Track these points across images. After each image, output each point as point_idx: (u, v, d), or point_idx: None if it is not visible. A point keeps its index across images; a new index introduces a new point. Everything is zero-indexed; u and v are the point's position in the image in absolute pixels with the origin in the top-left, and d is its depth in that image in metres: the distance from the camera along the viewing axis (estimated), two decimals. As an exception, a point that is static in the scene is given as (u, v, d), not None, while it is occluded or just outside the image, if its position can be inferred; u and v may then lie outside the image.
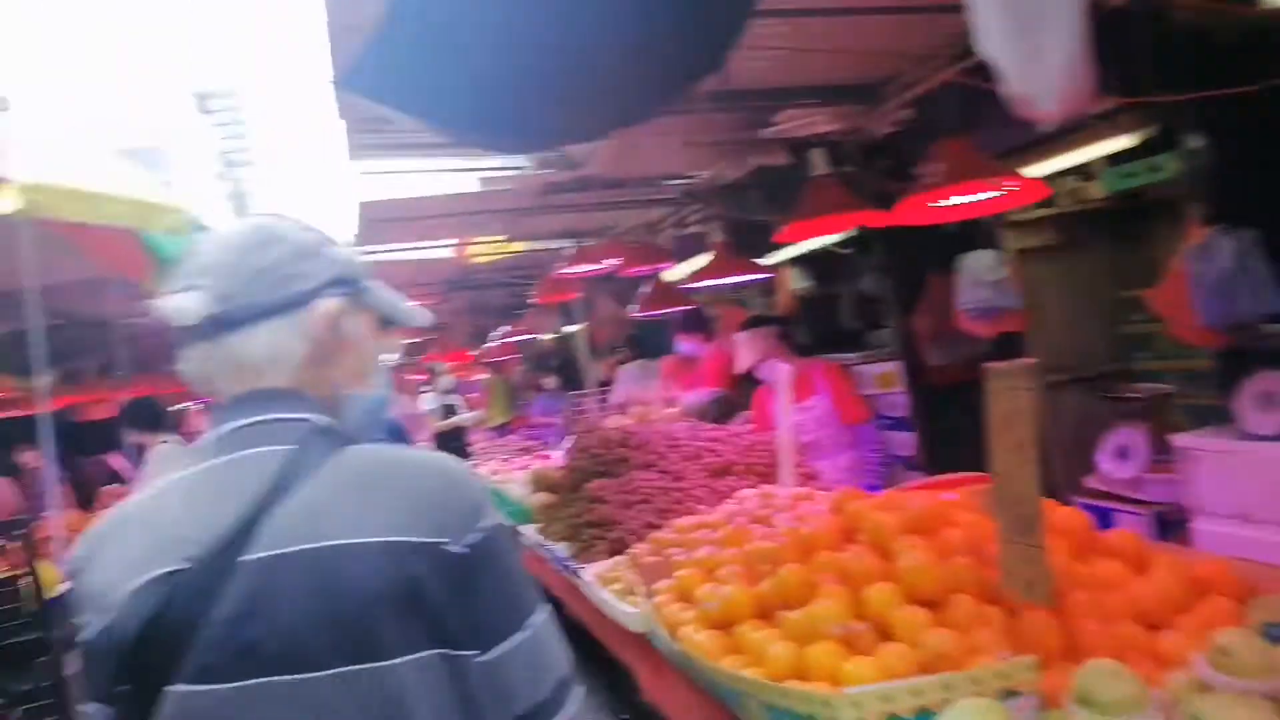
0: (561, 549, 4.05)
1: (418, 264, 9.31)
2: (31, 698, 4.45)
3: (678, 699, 2.74)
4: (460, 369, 12.71)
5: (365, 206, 5.79)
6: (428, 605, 1.06)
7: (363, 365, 1.27)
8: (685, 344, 5.78)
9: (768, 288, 7.09)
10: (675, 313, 5.97)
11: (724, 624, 2.41)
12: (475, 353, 12.42)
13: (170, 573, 1.05)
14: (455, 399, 9.48)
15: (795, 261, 6.53)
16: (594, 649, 3.79)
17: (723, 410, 5.10)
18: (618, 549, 3.70)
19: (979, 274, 4.90)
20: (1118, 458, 4.00)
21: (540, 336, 10.53)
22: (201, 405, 13.92)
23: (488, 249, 7.92)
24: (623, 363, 7.90)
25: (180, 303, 1.15)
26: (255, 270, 1.17)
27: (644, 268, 5.49)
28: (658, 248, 5.50)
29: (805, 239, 3.95)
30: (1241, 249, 3.12)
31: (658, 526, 3.71)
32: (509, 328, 9.17)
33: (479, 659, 1.09)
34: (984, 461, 1.98)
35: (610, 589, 3.30)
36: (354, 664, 1.04)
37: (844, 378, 4.33)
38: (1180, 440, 3.45)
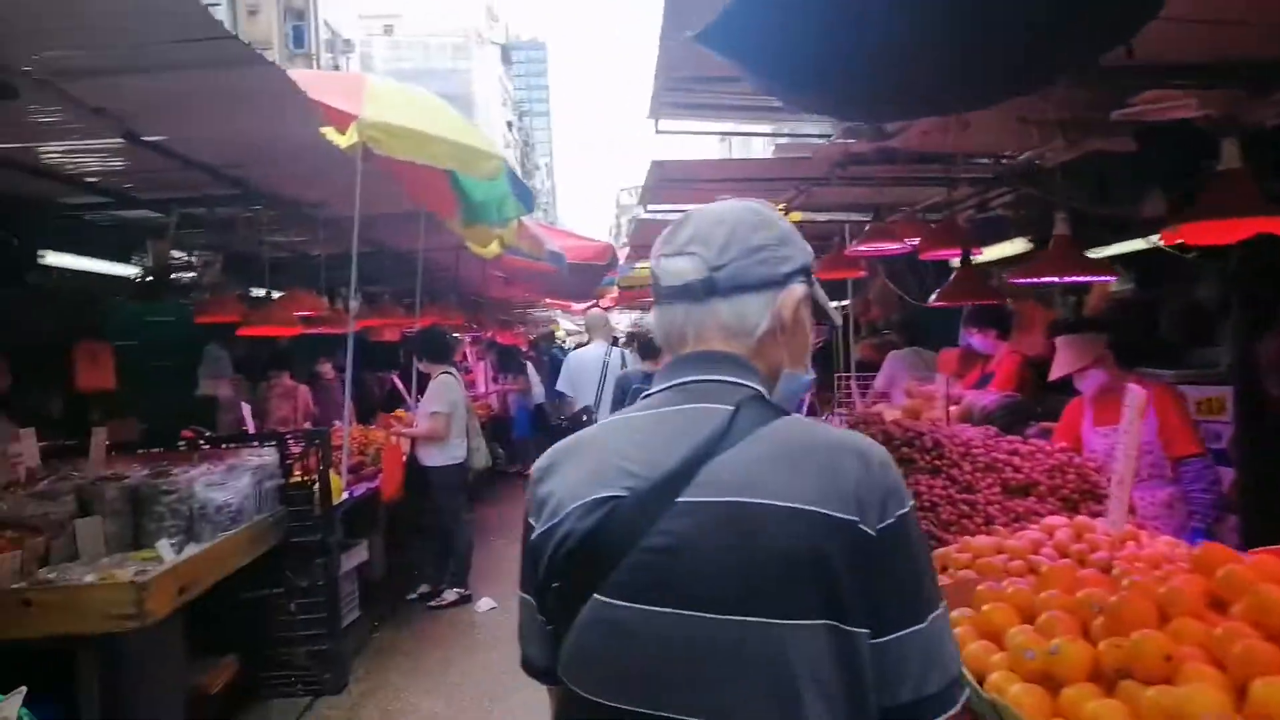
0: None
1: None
2: (307, 593, 4.83)
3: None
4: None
5: (657, 165, 5.74)
6: (829, 578, 1.10)
7: (803, 349, 1.34)
8: (976, 338, 5.28)
9: (1074, 286, 6.38)
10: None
11: (1045, 680, 2.08)
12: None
13: (612, 497, 1.19)
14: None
15: (1115, 260, 5.80)
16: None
17: (1013, 418, 4.60)
18: (892, 556, 3.41)
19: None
20: None
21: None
22: (472, 341, 14.90)
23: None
24: (890, 347, 7.45)
25: (676, 265, 1.29)
26: (749, 248, 1.27)
27: (944, 251, 5.02)
28: (961, 230, 5.01)
29: (1205, 241, 3.34)
30: None
31: (942, 541, 3.38)
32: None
33: (872, 640, 1.12)
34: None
35: (885, 600, 3.02)
36: (751, 616, 1.11)
37: (1176, 401, 3.73)
38: None
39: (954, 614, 2.55)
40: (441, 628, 5.94)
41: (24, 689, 2.29)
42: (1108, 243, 5.25)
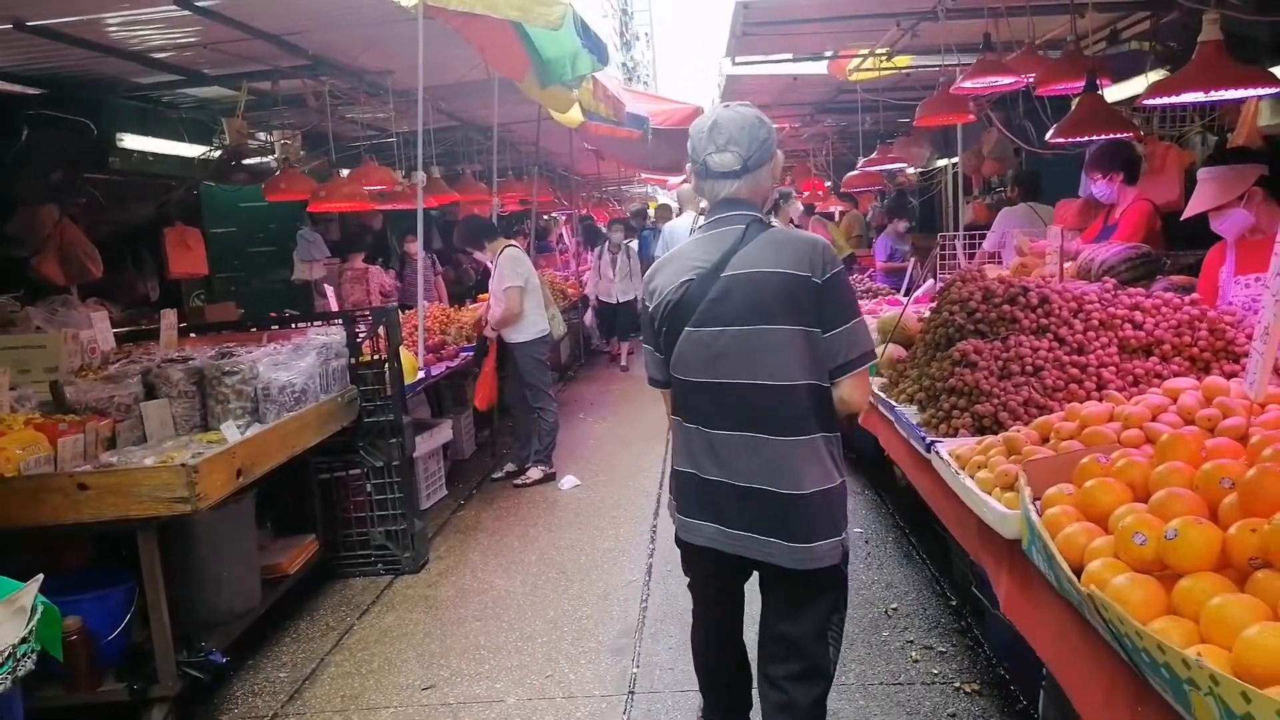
0: (911, 413, 3.43)
1: (787, 81, 8.59)
2: (383, 473, 4.77)
3: (1054, 637, 2.10)
4: (815, 199, 11.96)
5: (742, 6, 5.19)
6: (800, 305, 2.24)
7: (776, 179, 2.48)
8: (1099, 184, 4.64)
9: (1216, 124, 5.56)
10: (1092, 144, 4.79)
11: (1159, 569, 1.71)
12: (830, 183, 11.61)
13: (688, 280, 2.33)
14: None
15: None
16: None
17: (1141, 272, 4.03)
18: (986, 426, 3.02)
19: None
20: None
21: (907, 167, 9.45)
22: (566, 220, 14.55)
23: (868, 65, 7.00)
24: (1006, 204, 6.78)
25: (723, 158, 2.31)
26: (759, 141, 2.33)
27: (1066, 84, 4.34)
28: (1086, 60, 4.31)
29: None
30: None
31: (1044, 408, 2.97)
32: (874, 155, 8.23)
33: (822, 335, 2.26)
34: None
35: (974, 475, 2.66)
36: (764, 324, 2.25)
37: (1343, 245, 3.13)
38: None
39: (1052, 491, 2.19)
40: (524, 506, 5.87)
41: (41, 576, 2.20)
42: (1266, 66, 4.48)
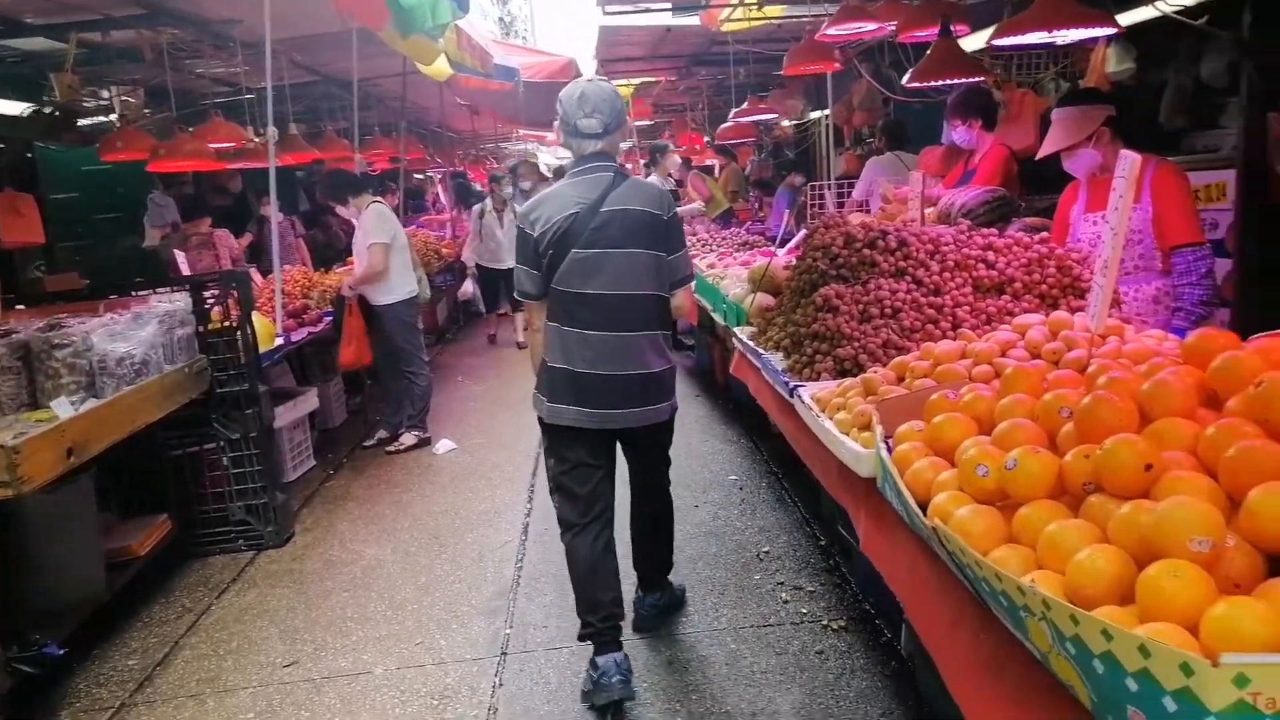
0: (777, 360, 3.43)
1: (660, 33, 8.48)
2: (239, 446, 4.52)
3: (907, 571, 2.12)
4: (692, 153, 11.92)
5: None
6: (656, 234, 2.97)
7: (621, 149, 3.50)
8: (959, 131, 4.71)
9: (1068, 71, 5.74)
10: (953, 88, 4.86)
11: (1000, 499, 1.72)
12: (706, 137, 11.59)
13: (574, 211, 2.91)
14: (676, 184, 8.80)
15: (1117, 36, 5.15)
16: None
17: (997, 215, 4.12)
18: (847, 370, 3.04)
19: None
20: None
21: (780, 120, 9.50)
22: (442, 179, 14.08)
23: (739, 15, 6.94)
24: (873, 154, 6.87)
25: (590, 123, 2.95)
26: (616, 110, 3.01)
27: (927, 30, 4.36)
28: (943, 7, 4.34)
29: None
30: None
31: (901, 349, 3.00)
32: (745, 106, 8.21)
33: (667, 258, 3.02)
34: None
35: (833, 417, 2.67)
36: (631, 249, 2.93)
37: (1178, 182, 3.24)
38: None
39: (903, 428, 2.19)
40: (398, 473, 5.69)
41: None
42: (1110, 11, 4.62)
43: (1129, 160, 2.27)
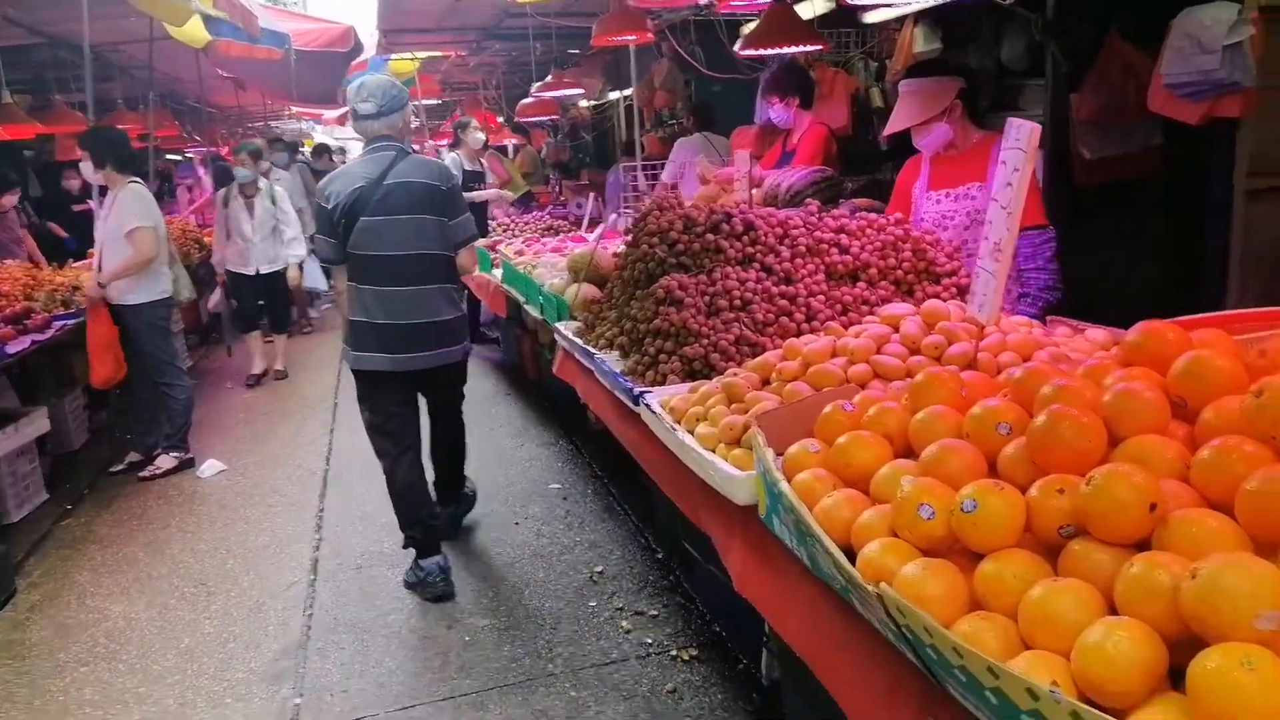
0: (612, 360, 3.00)
1: (449, 4, 7.80)
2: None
3: (809, 624, 1.74)
4: (487, 132, 11.26)
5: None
6: (436, 202, 3.48)
7: (407, 133, 3.84)
8: (777, 109, 4.46)
9: (876, 51, 5.67)
10: (766, 64, 4.60)
11: (949, 546, 1.37)
12: (501, 116, 10.98)
13: (359, 186, 3.40)
14: (484, 163, 8.15)
15: (923, 16, 5.09)
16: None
17: (826, 195, 3.88)
18: (697, 370, 2.65)
19: (1206, 37, 3.57)
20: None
21: (581, 100, 9.07)
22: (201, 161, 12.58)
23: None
24: (681, 134, 6.58)
25: (366, 106, 3.44)
26: (391, 96, 3.49)
27: (747, 3, 4.05)
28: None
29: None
30: None
31: (756, 345, 2.64)
32: (549, 80, 7.69)
33: (449, 222, 3.54)
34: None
35: (694, 430, 2.26)
36: (416, 214, 3.44)
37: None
38: None
39: (795, 450, 1.80)
40: (153, 504, 4.77)
41: None
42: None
43: (1024, 129, 2.00)
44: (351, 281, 3.50)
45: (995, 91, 5.27)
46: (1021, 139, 1.93)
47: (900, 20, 5.21)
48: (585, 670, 3.01)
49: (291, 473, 5.11)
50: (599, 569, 3.70)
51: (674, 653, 3.07)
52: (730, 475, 1.99)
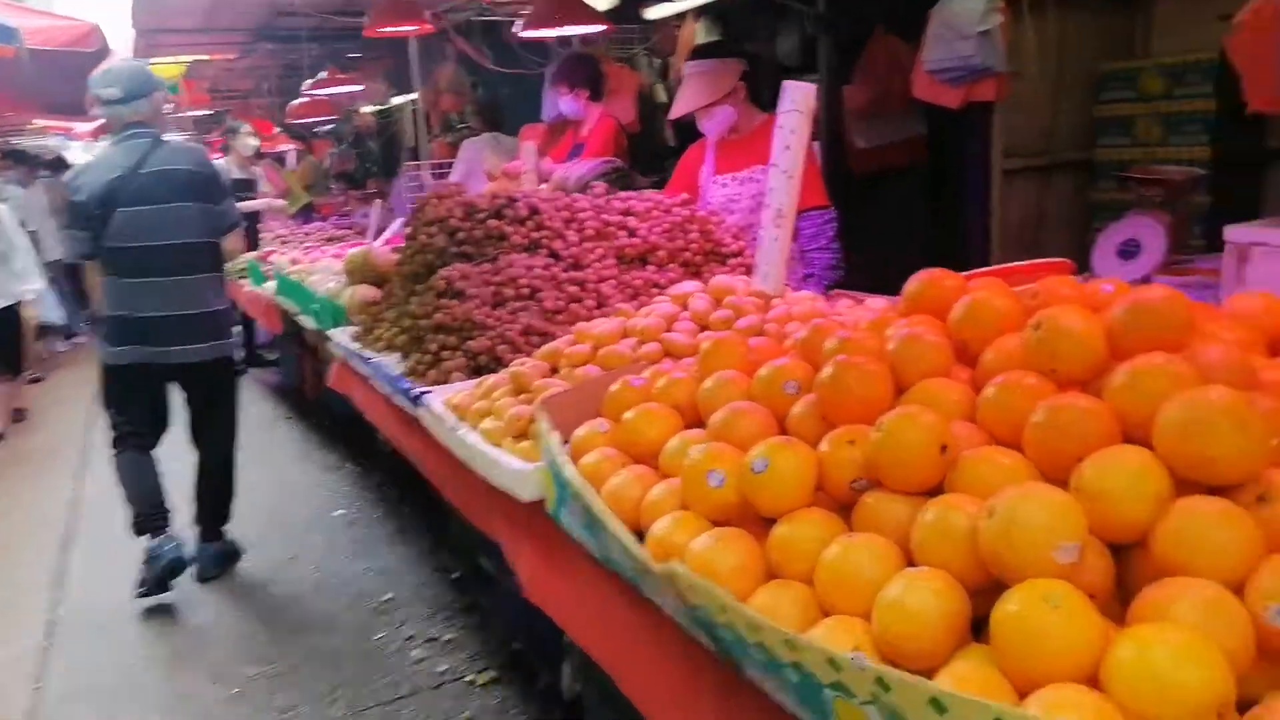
0: (391, 364, 2.75)
1: (212, 3, 7.19)
2: None
3: (601, 626, 1.58)
4: (263, 140, 10.53)
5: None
6: (198, 189, 3.36)
7: (160, 117, 3.53)
8: (566, 100, 4.33)
9: (659, 47, 5.69)
10: (554, 56, 4.48)
11: (742, 515, 1.25)
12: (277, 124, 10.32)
13: (116, 175, 3.25)
14: (258, 170, 7.56)
15: (702, 12, 5.15)
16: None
17: (616, 186, 3.79)
18: (484, 365, 2.45)
19: (961, 24, 3.76)
20: (1121, 256, 3.02)
21: (362, 105, 8.62)
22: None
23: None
24: (469, 135, 6.35)
25: (107, 91, 3.28)
26: (139, 81, 3.37)
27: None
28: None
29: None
30: None
31: (546, 334, 2.48)
32: (323, 77, 7.21)
33: (214, 208, 3.42)
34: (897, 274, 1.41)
35: (478, 427, 2.07)
36: (177, 202, 3.30)
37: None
38: (1235, 233, 2.46)
39: (582, 432, 1.65)
40: None
41: None
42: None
43: (800, 90, 1.96)
44: (110, 275, 3.35)
45: (774, 86, 5.43)
46: (798, 100, 1.88)
47: (681, 17, 5.25)
48: (369, 711, 2.72)
49: (26, 525, 4.44)
50: (388, 596, 3.40)
51: (469, 678, 2.83)
52: (514, 470, 1.82)
